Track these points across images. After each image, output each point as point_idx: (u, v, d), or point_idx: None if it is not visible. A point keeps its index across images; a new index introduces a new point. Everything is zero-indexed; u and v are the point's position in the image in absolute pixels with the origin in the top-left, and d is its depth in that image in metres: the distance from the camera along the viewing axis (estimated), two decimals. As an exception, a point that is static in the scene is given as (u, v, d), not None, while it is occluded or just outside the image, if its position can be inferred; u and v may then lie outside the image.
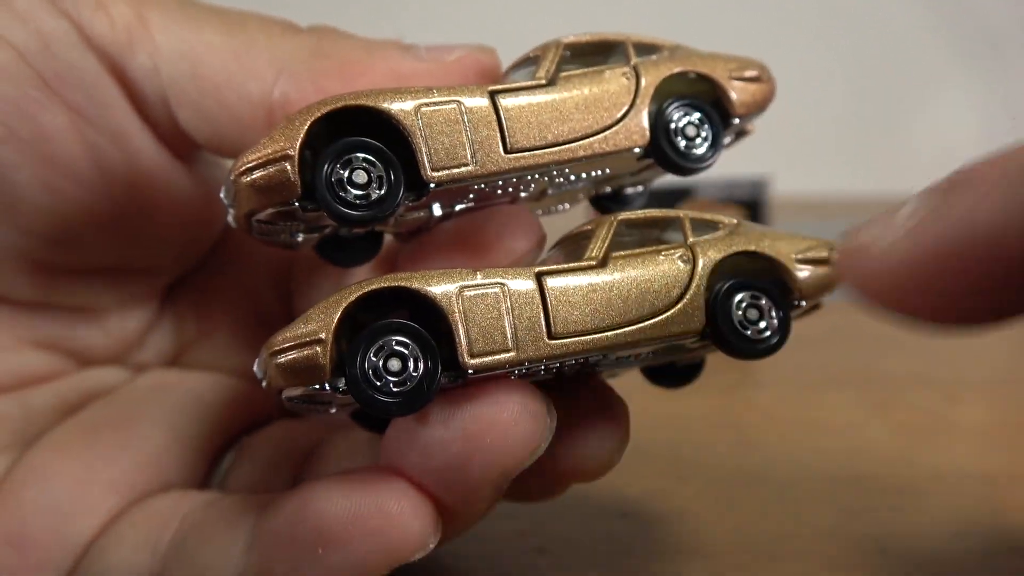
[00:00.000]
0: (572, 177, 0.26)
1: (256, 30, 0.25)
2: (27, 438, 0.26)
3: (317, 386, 0.21)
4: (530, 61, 0.26)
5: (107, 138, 0.25)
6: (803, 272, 0.24)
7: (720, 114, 0.26)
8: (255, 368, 0.23)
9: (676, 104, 0.25)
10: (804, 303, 0.25)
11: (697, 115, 0.25)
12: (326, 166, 0.22)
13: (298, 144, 0.22)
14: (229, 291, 0.30)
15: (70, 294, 0.27)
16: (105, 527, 0.25)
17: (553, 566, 0.29)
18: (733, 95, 0.26)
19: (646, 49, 0.26)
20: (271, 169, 0.22)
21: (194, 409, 0.28)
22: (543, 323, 0.22)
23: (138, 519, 0.25)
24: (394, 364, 0.21)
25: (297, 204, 0.22)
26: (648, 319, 0.23)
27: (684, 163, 0.25)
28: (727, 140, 0.27)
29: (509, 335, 0.22)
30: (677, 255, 0.24)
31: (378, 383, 0.21)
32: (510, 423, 0.21)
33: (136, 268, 0.28)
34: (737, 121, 0.26)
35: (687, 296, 0.23)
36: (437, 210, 0.25)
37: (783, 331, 0.23)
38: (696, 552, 0.30)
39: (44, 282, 0.27)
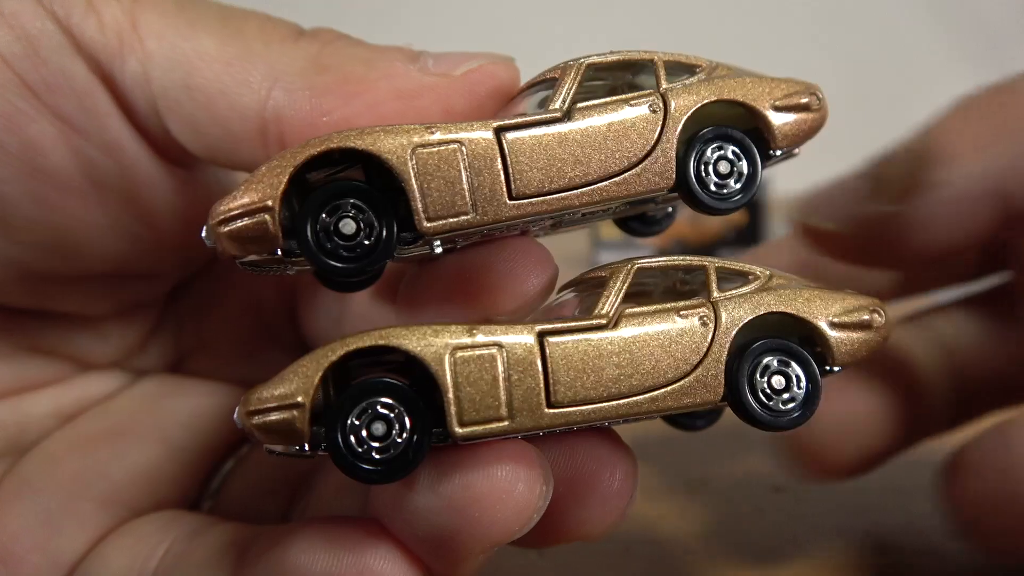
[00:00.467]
0: (587, 214, 0.23)
1: (254, 36, 0.23)
2: (22, 446, 0.26)
3: (297, 448, 0.20)
4: (546, 84, 0.23)
5: (99, 149, 0.24)
6: (838, 336, 0.22)
7: (760, 146, 0.23)
8: (235, 419, 0.21)
9: (709, 137, 0.22)
10: (837, 369, 0.22)
11: (732, 149, 0.22)
12: (310, 218, 0.20)
13: (279, 194, 0.20)
14: (231, 298, 0.30)
15: (67, 301, 0.27)
16: (94, 544, 0.25)
17: (553, 566, 0.29)
18: (776, 127, 0.22)
19: (679, 70, 0.23)
20: (249, 221, 0.20)
21: (190, 421, 0.27)
22: (542, 390, 0.20)
23: (125, 543, 0.25)
24: (378, 428, 0.20)
25: (280, 253, 0.20)
26: (659, 388, 0.21)
27: (715, 204, 0.22)
28: (764, 173, 0.24)
29: (503, 403, 0.20)
30: (698, 315, 0.21)
31: (359, 449, 0.20)
32: (501, 494, 0.20)
33: (135, 275, 0.27)
34: (779, 153, 0.23)
35: (705, 362, 0.21)
36: (438, 247, 0.22)
37: (811, 403, 0.21)
38: (696, 552, 0.29)
39: (40, 289, 0.26)
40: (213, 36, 0.23)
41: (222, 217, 0.20)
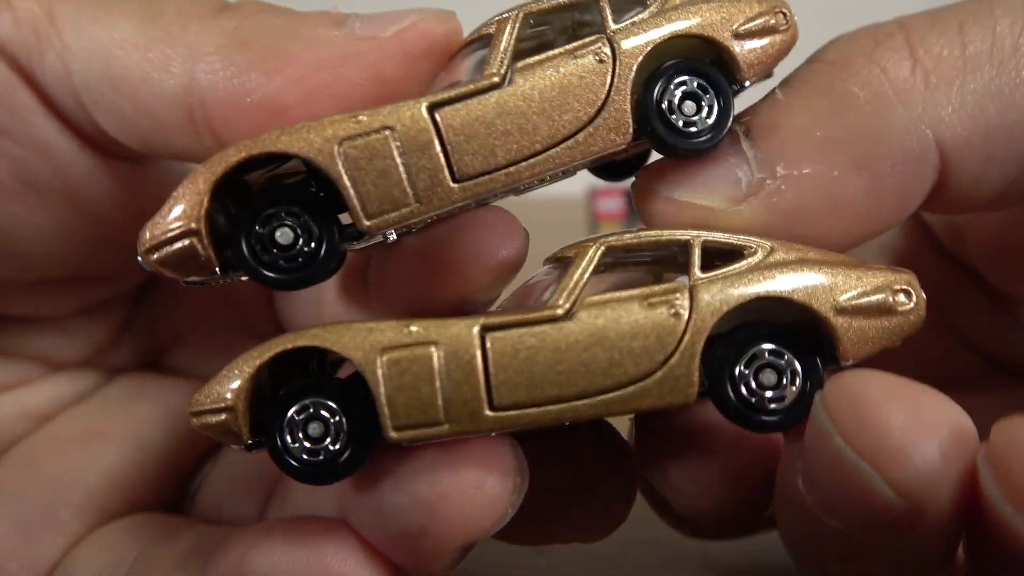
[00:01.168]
0: (548, 178, 0.21)
1: (172, 17, 0.22)
2: None
3: (236, 447, 0.20)
4: (482, 41, 0.20)
5: (28, 149, 0.23)
6: (846, 323, 0.19)
7: (727, 76, 0.20)
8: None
9: (669, 73, 0.20)
10: (849, 363, 0.20)
11: (696, 82, 0.20)
12: (243, 233, 0.19)
13: (202, 214, 0.19)
14: (205, 290, 0.29)
15: (25, 304, 0.26)
16: (69, 549, 0.24)
17: (553, 566, 0.29)
18: (740, 56, 0.20)
19: (627, 3, 0.20)
20: (177, 246, 0.19)
21: (165, 422, 0.27)
22: (483, 393, 0.19)
23: (97, 548, 0.24)
24: (315, 429, 0.19)
25: (219, 272, 0.20)
26: (616, 390, 0.19)
27: (685, 145, 0.20)
28: (735, 106, 0.21)
29: (440, 406, 0.19)
30: (669, 305, 0.19)
31: (294, 447, 0.19)
32: (470, 491, 0.19)
33: (96, 275, 0.27)
34: (748, 84, 0.21)
35: (674, 359, 0.19)
36: (392, 236, 0.20)
37: (800, 404, 0.19)
38: (696, 552, 0.29)
39: None
40: (131, 20, 0.22)
41: (149, 245, 0.19)
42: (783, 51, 0.21)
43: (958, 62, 0.20)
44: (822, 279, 0.19)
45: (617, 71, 0.19)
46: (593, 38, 0.20)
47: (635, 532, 0.31)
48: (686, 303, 0.19)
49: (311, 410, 0.19)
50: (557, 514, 0.22)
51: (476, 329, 0.19)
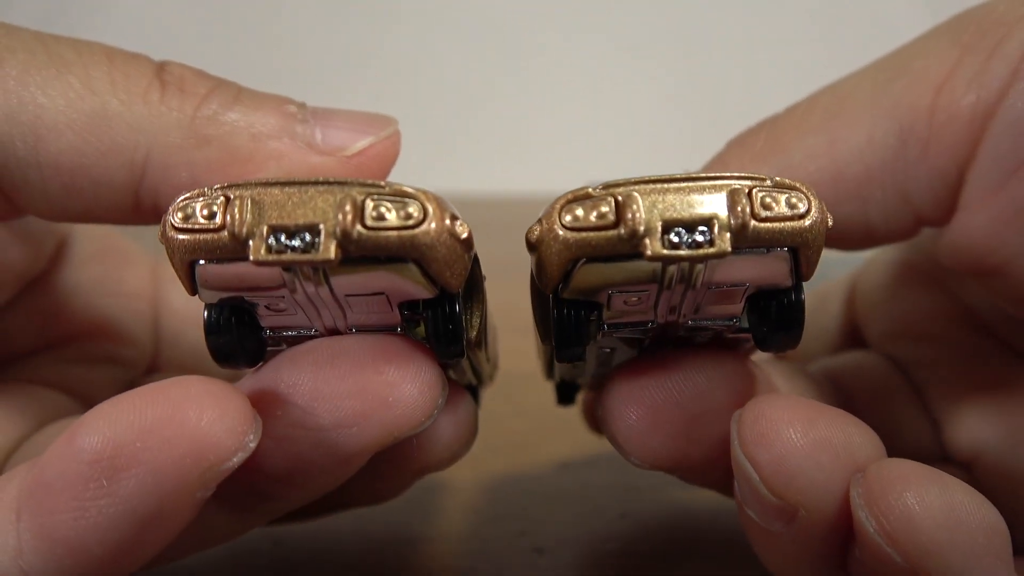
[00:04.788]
0: None
1: (106, 89, 0.20)
2: None
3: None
4: None
5: None
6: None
7: None
8: None
9: None
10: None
11: None
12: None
13: None
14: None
15: None
16: None
17: (553, 566, 0.29)
18: None
19: None
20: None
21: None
22: None
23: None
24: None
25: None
26: None
27: None
28: None
29: None
30: None
31: None
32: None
33: None
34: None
35: None
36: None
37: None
38: (697, 552, 0.29)
39: None
40: (56, 92, 0.20)
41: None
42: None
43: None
44: None
45: None
46: None
47: (637, 532, 0.31)
48: None
49: None
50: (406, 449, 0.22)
51: None
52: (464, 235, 0.18)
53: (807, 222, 0.18)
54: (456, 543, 0.25)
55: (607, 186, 0.19)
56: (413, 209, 0.17)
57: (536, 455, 0.26)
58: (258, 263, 0.17)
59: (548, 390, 0.30)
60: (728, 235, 0.18)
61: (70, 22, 0.95)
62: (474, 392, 0.26)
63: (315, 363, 0.19)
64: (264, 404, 0.19)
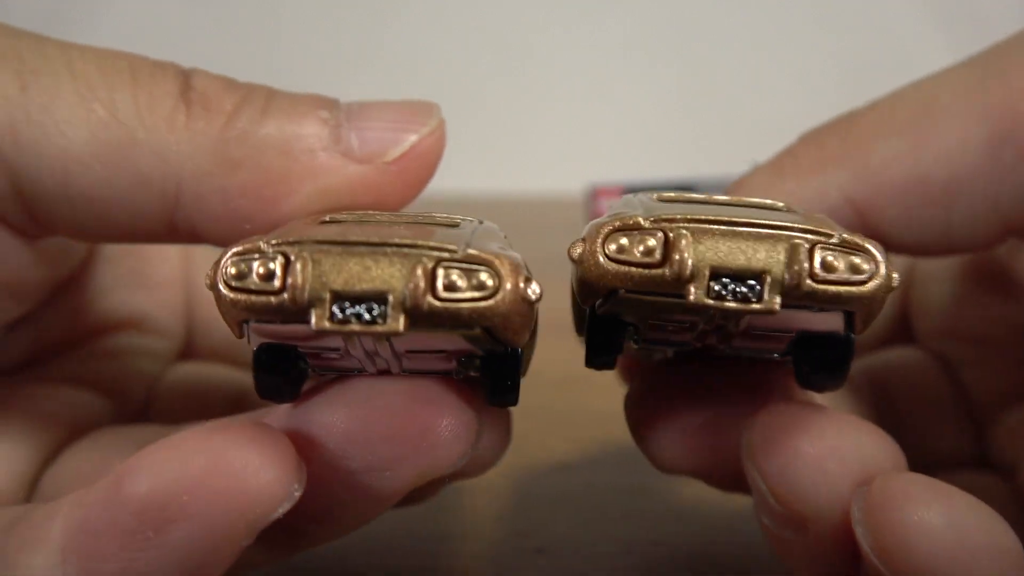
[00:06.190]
0: None
1: (132, 116, 0.19)
2: None
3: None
4: None
5: None
6: None
7: None
8: None
9: None
10: None
11: None
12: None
13: None
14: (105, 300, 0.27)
15: None
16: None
17: (553, 566, 0.29)
18: None
19: None
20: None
21: (9, 420, 0.24)
22: None
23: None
24: None
25: None
26: None
27: None
28: None
29: None
30: None
31: None
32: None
33: None
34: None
35: None
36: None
37: None
38: (697, 552, 0.29)
39: None
40: (81, 122, 0.19)
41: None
42: None
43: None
44: None
45: None
46: None
47: (638, 532, 0.31)
48: None
49: None
50: None
51: None
52: (535, 297, 0.17)
53: (868, 287, 0.17)
54: (457, 543, 0.25)
55: (658, 219, 0.17)
56: (486, 277, 0.16)
57: (537, 455, 0.26)
58: (321, 332, 0.16)
59: (549, 390, 0.30)
60: (779, 293, 0.17)
61: (70, 22, 0.95)
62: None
63: (349, 405, 0.18)
64: (298, 445, 0.18)
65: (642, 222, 0.17)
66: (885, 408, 0.22)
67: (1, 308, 0.23)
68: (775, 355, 0.20)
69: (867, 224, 0.23)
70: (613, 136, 1.08)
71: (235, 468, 0.16)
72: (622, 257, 0.17)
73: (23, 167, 0.19)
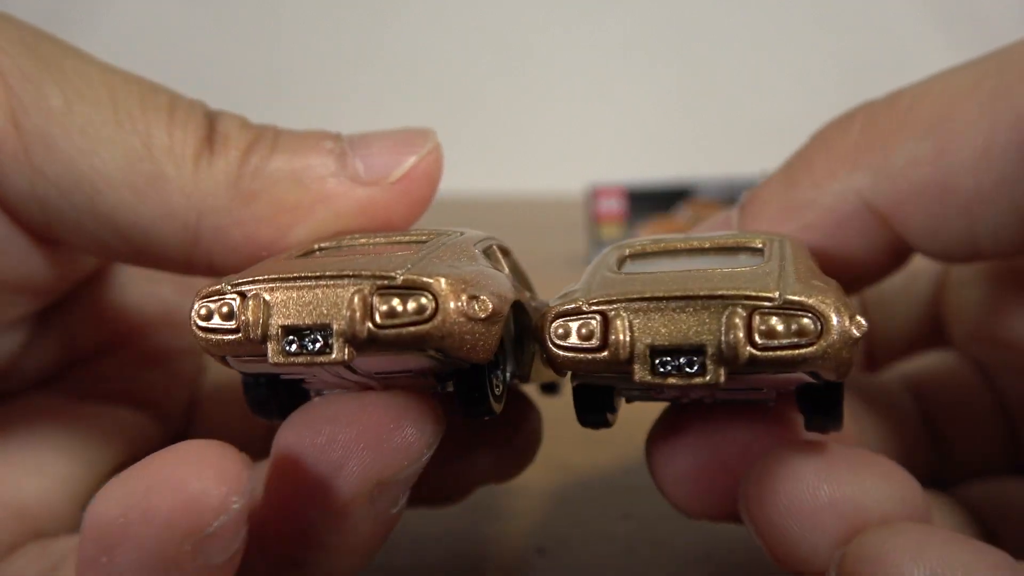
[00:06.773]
0: None
1: (163, 153, 0.21)
2: None
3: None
4: None
5: None
6: None
7: None
8: None
9: None
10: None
11: None
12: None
13: None
14: (136, 300, 0.28)
15: None
16: None
17: (553, 566, 0.29)
18: None
19: None
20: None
21: (67, 444, 0.24)
22: None
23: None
24: None
25: None
26: None
27: None
28: None
29: None
30: None
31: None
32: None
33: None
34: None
35: None
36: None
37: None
38: (698, 552, 0.29)
39: None
40: (114, 150, 0.21)
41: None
42: None
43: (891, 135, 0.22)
44: None
45: None
46: None
47: (638, 532, 0.31)
48: None
49: None
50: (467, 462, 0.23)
51: None
52: (484, 315, 0.17)
53: (818, 348, 0.16)
54: (458, 543, 0.25)
55: (596, 301, 0.18)
56: (425, 300, 0.17)
57: (538, 455, 0.26)
58: (276, 365, 0.17)
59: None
60: (721, 364, 0.17)
61: (70, 22, 0.95)
62: (551, 388, 0.26)
63: (303, 423, 0.19)
64: (273, 460, 0.19)
65: (582, 306, 0.18)
66: (925, 417, 0.22)
67: (15, 303, 0.24)
68: (770, 402, 0.20)
69: (890, 232, 0.22)
70: (613, 136, 1.08)
71: (172, 484, 0.16)
72: (568, 343, 0.18)
73: (53, 176, 0.20)
